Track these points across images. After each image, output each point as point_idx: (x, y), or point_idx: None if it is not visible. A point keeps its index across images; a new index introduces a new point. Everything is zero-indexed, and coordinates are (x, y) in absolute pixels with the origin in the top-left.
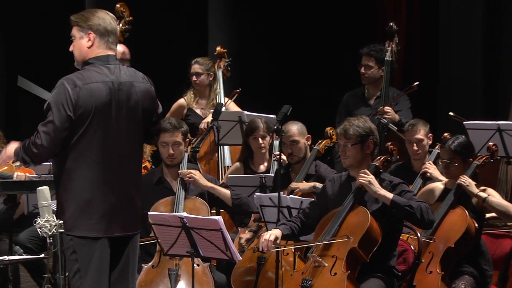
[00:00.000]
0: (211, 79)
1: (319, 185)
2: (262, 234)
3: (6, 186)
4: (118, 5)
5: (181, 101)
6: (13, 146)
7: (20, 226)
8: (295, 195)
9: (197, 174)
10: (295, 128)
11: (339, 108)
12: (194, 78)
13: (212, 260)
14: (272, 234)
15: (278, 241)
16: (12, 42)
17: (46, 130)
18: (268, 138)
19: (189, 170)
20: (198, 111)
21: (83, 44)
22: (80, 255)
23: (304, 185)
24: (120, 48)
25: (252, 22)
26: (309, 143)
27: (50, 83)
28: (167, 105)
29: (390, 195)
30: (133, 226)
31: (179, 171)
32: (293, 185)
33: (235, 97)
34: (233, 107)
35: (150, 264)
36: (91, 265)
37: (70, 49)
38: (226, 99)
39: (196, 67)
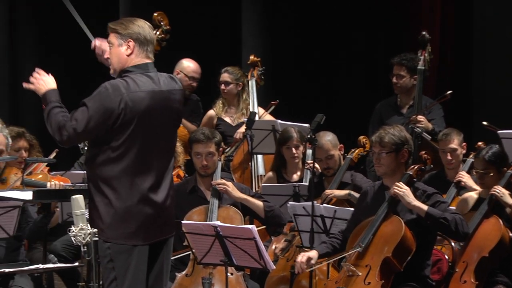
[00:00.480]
0: (239, 89)
1: (354, 193)
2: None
3: (40, 195)
4: (155, 14)
5: (211, 112)
6: (49, 86)
7: (54, 235)
8: (330, 202)
9: (230, 186)
10: (329, 142)
11: (372, 117)
12: (222, 86)
13: (246, 269)
14: (305, 255)
15: (312, 261)
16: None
17: (75, 127)
18: (301, 148)
19: (222, 181)
20: (227, 119)
21: (121, 51)
22: (118, 264)
23: (339, 192)
24: (192, 64)
25: (285, 31)
26: (341, 152)
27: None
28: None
29: (424, 207)
30: (169, 230)
31: (212, 181)
32: (328, 192)
33: (271, 109)
34: (268, 118)
35: (184, 272)
36: (128, 273)
37: (106, 55)
38: (261, 109)
39: (225, 76)
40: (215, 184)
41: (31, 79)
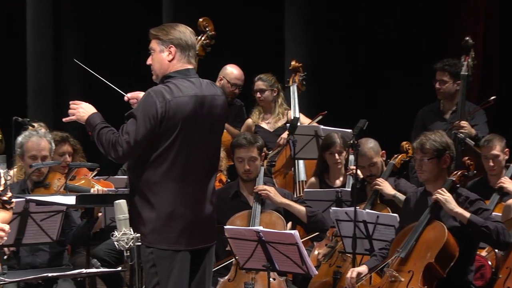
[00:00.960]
0: (275, 94)
1: (399, 194)
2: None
3: (83, 199)
4: (201, 20)
5: (248, 121)
6: (90, 111)
7: (97, 239)
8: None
9: (272, 191)
10: (371, 149)
11: (415, 123)
12: (258, 94)
13: (288, 274)
14: (354, 271)
15: (362, 276)
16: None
17: (128, 140)
18: (344, 153)
19: (264, 186)
20: (265, 126)
21: (163, 57)
22: (160, 268)
23: (389, 188)
24: (236, 71)
25: (328, 37)
26: (384, 158)
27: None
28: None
29: (467, 214)
30: (211, 237)
31: (255, 186)
32: (380, 180)
33: (318, 119)
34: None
35: (226, 278)
36: (171, 278)
37: (148, 62)
38: (302, 115)
39: (259, 84)
40: (257, 190)
41: (70, 111)
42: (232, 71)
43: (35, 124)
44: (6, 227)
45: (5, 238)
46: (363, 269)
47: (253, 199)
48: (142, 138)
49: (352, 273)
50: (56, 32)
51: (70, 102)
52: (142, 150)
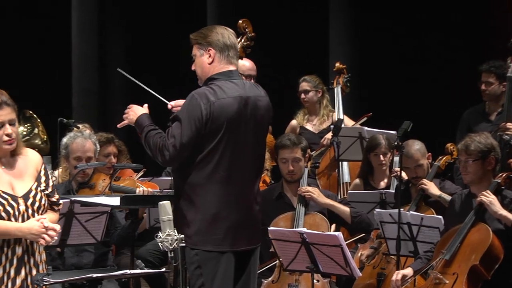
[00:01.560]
0: (319, 95)
1: (445, 195)
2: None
3: (127, 200)
4: (240, 21)
5: (293, 122)
6: (138, 112)
7: (141, 240)
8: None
9: (315, 192)
10: (418, 152)
11: (460, 124)
12: (302, 96)
13: (332, 276)
14: (400, 273)
15: (407, 278)
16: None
17: (174, 144)
18: (389, 155)
19: (307, 188)
20: (309, 127)
21: (204, 61)
22: (205, 270)
23: (434, 189)
24: (247, 63)
25: (373, 39)
26: (429, 161)
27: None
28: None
29: (511, 216)
30: (256, 239)
31: (299, 187)
32: (425, 181)
33: (362, 120)
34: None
35: (270, 279)
36: (216, 279)
37: (192, 68)
38: (346, 117)
39: (304, 85)
40: (300, 192)
41: (124, 116)
42: (244, 63)
43: (80, 126)
44: (57, 227)
45: (56, 238)
46: (408, 271)
47: (297, 200)
48: (188, 141)
49: (397, 275)
50: (101, 34)
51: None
52: (188, 153)
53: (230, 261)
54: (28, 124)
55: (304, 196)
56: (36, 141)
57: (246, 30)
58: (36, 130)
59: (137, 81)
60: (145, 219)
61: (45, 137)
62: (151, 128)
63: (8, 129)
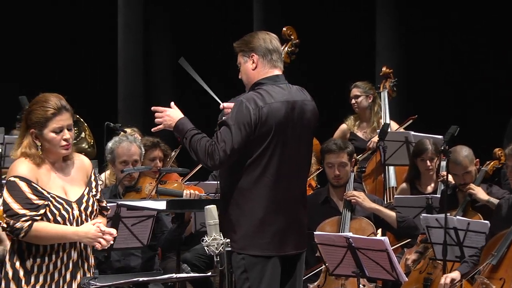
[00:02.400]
0: (370, 101)
1: (493, 199)
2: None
3: (173, 205)
4: (284, 29)
5: (343, 126)
6: (177, 116)
7: (187, 244)
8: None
9: (361, 196)
10: (466, 158)
11: (507, 129)
12: (353, 101)
13: (378, 281)
14: (448, 277)
15: (455, 282)
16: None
17: (225, 149)
18: (436, 160)
19: (353, 192)
20: (360, 134)
21: (248, 67)
22: (252, 274)
23: (482, 193)
24: None
25: (420, 43)
26: (477, 167)
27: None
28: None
29: None
30: (302, 244)
31: (345, 192)
32: (473, 186)
33: (408, 123)
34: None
35: (316, 284)
36: (262, 284)
37: (239, 76)
38: (393, 123)
39: (354, 91)
40: (346, 196)
41: (156, 120)
42: None
43: (129, 130)
44: (114, 231)
45: (111, 242)
46: (456, 275)
47: (343, 205)
48: (239, 146)
49: (446, 279)
50: (147, 38)
51: (152, 109)
52: (236, 158)
53: (276, 266)
54: (75, 128)
55: (350, 201)
56: (83, 145)
57: (291, 37)
58: (83, 134)
59: (195, 75)
60: (191, 223)
61: (92, 141)
62: (195, 132)
63: (67, 134)
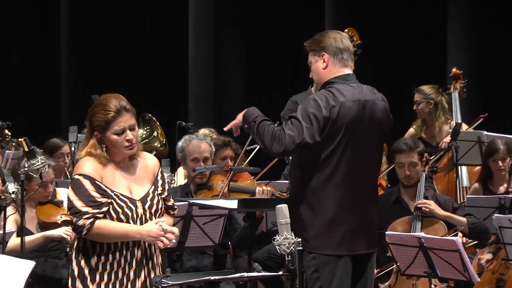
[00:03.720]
0: (430, 107)
1: None
2: None
3: (245, 203)
4: (346, 30)
5: (411, 131)
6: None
7: (258, 243)
8: None
9: (432, 204)
10: None
11: None
12: (415, 106)
13: (450, 281)
14: None
15: None
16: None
17: (294, 138)
18: (508, 160)
19: (423, 200)
20: (426, 139)
21: (319, 66)
22: (323, 274)
23: None
24: None
25: (490, 44)
26: None
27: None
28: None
29: None
30: (373, 244)
31: (415, 202)
32: None
33: (478, 122)
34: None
35: (387, 283)
36: (333, 283)
37: (310, 76)
38: (464, 125)
39: (415, 96)
40: (417, 205)
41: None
42: None
43: (206, 130)
44: (176, 230)
45: (174, 241)
46: None
47: (414, 205)
48: (306, 139)
49: None
50: (217, 38)
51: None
52: (301, 151)
53: (347, 265)
54: (148, 127)
55: (421, 209)
56: (155, 143)
57: (353, 38)
58: (155, 133)
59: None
60: (263, 222)
61: (164, 139)
62: (264, 118)
63: (129, 134)
